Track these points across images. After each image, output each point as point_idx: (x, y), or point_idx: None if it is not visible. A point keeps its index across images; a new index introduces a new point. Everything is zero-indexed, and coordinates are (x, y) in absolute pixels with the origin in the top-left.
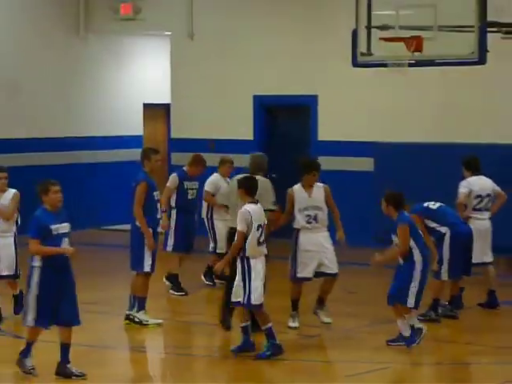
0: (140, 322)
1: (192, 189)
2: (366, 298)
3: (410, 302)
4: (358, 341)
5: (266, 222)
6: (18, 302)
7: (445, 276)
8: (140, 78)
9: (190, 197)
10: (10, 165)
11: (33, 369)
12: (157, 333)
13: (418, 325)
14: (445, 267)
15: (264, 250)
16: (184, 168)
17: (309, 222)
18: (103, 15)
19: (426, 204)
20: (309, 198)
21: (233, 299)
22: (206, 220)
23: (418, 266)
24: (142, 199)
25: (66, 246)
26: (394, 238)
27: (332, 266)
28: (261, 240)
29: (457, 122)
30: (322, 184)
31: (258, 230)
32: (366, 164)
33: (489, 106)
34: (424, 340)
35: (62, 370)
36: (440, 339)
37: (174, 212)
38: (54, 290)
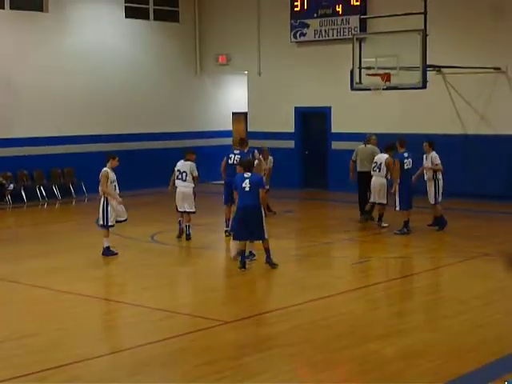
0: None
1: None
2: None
3: None
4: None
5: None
6: (188, 231)
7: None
8: (230, 98)
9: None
10: (148, 147)
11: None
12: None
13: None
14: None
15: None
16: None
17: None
18: (210, 62)
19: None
20: None
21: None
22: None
23: None
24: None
25: None
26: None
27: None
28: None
29: (410, 121)
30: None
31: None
32: (360, 145)
33: (427, 114)
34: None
35: (270, 262)
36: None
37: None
38: None
